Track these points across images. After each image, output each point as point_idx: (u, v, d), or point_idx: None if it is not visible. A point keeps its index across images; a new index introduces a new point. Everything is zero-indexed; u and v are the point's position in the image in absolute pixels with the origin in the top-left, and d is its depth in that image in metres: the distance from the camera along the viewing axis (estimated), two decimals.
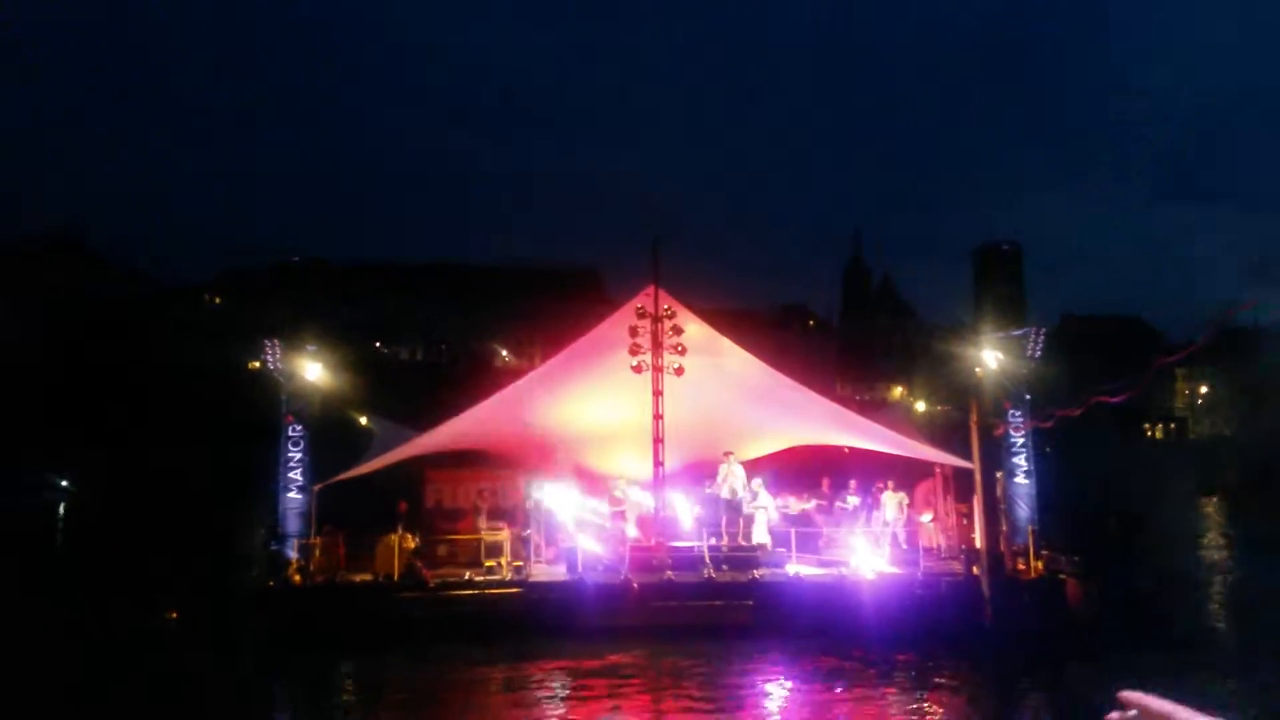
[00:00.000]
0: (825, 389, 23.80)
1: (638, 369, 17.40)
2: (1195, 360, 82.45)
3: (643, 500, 19.10)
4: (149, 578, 21.05)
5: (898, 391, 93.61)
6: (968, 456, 17.40)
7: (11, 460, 48.26)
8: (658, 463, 17.63)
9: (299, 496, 17.57)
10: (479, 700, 13.64)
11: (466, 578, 16.88)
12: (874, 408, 45.40)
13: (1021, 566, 16.92)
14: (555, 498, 18.81)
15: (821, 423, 19.74)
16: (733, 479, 18.41)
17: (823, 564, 17.62)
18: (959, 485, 18.65)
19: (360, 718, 13.20)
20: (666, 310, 17.52)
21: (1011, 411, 17.61)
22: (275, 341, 17.87)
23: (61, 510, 44.46)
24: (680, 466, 19.39)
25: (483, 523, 18.51)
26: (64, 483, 50.39)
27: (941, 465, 18.98)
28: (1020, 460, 17.62)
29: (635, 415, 17.88)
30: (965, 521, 18.35)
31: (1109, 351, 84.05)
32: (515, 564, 17.36)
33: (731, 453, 18.78)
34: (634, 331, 17.43)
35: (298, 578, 16.75)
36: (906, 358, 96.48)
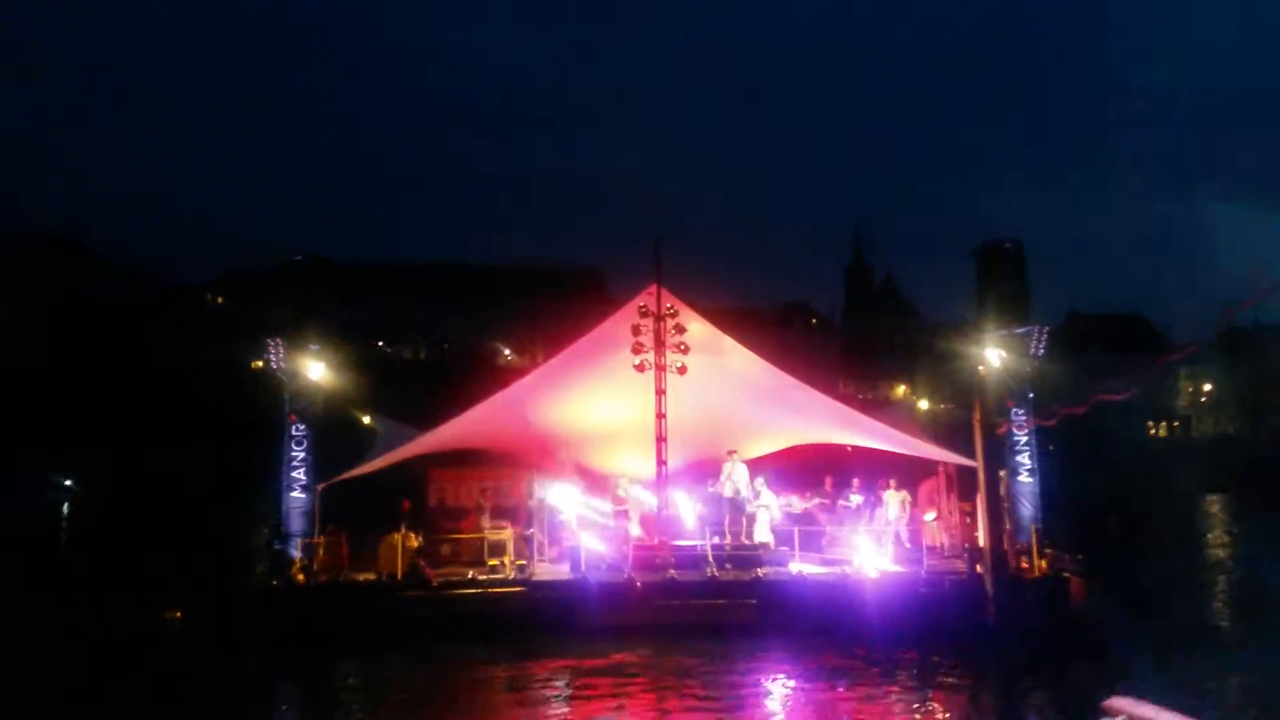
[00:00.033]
0: (828, 387, 23.80)
1: (640, 368, 17.40)
2: (1198, 358, 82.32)
3: (646, 499, 19.09)
4: (150, 578, 21.06)
5: (901, 390, 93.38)
6: (971, 455, 17.38)
7: (12, 460, 48.35)
8: (661, 461, 17.63)
9: (302, 496, 17.59)
10: (482, 699, 13.64)
11: (470, 577, 16.89)
12: (877, 406, 45.36)
13: (1025, 565, 16.91)
14: (558, 496, 18.83)
15: (824, 421, 19.73)
16: (736, 477, 18.41)
17: (826, 563, 17.62)
18: (962, 484, 18.63)
19: (363, 717, 13.19)
20: (669, 309, 17.52)
21: (1015, 410, 17.60)
22: (278, 341, 17.88)
23: (65, 510, 44.58)
24: (683, 465, 19.39)
25: (486, 522, 18.52)
26: (67, 482, 50.50)
27: (945, 464, 18.96)
28: (1024, 459, 17.61)
29: (638, 414, 17.87)
30: (968, 520, 18.33)
31: (1112, 350, 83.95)
32: (518, 563, 17.36)
33: (735, 451, 18.78)
34: (636, 330, 17.43)
35: (301, 577, 16.77)
36: (909, 356, 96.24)
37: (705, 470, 19.51)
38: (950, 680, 13.92)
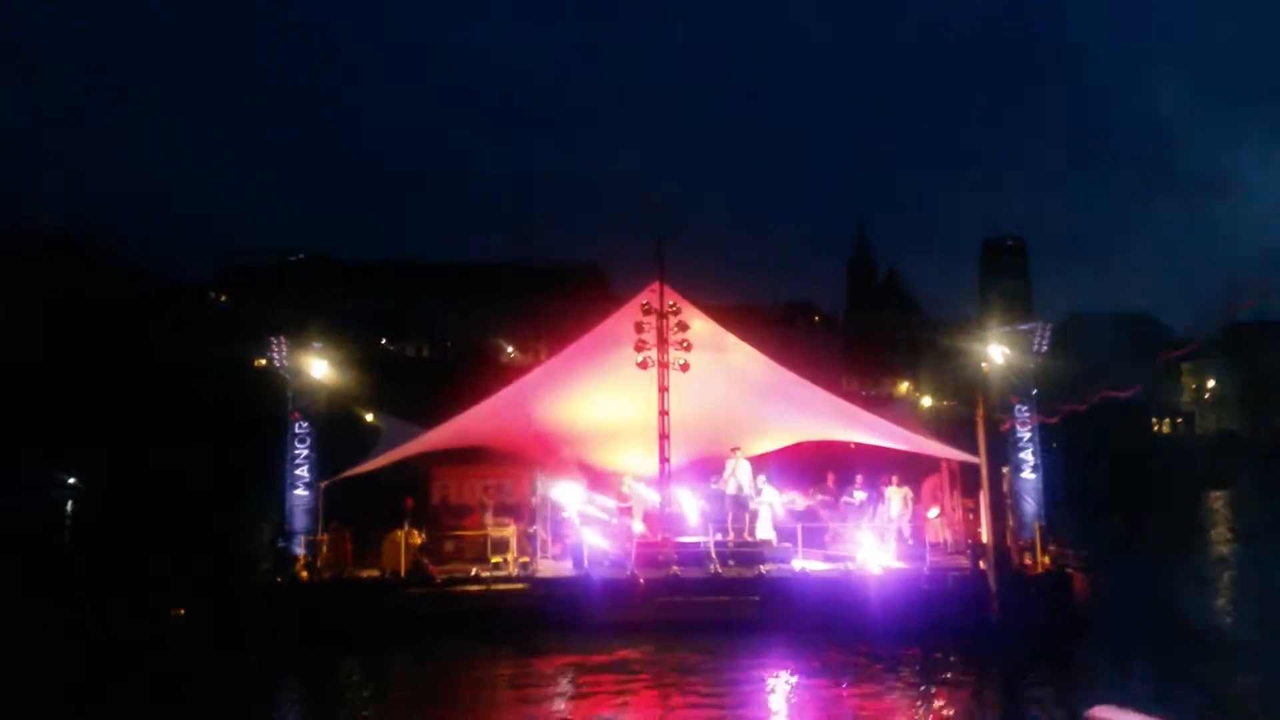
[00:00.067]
0: (831, 384, 23.81)
1: (643, 365, 17.41)
2: (1202, 355, 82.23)
3: (649, 496, 19.11)
4: (151, 578, 21.08)
5: (904, 387, 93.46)
6: (974, 451, 17.38)
7: (12, 460, 48.42)
8: (663, 459, 17.64)
9: (306, 493, 17.61)
10: (485, 696, 13.67)
11: (473, 574, 16.92)
12: (880, 403, 45.34)
13: (1028, 561, 16.89)
14: (561, 494, 18.85)
15: (827, 418, 19.73)
16: (739, 474, 18.42)
17: (829, 559, 17.63)
18: (965, 480, 18.63)
19: (367, 714, 13.22)
20: (671, 306, 17.53)
21: (1018, 406, 17.57)
22: (281, 339, 17.91)
23: (69, 508, 44.65)
24: (686, 462, 19.40)
25: (489, 519, 18.54)
26: (71, 480, 50.57)
27: (948, 460, 18.96)
28: (1027, 455, 17.58)
29: (641, 411, 17.88)
30: (972, 516, 18.32)
31: (1116, 346, 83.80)
32: (521, 560, 17.38)
33: (739, 448, 18.79)
34: (639, 328, 17.44)
35: (305, 574, 16.80)
36: (912, 353, 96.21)
37: (708, 467, 19.52)
38: (953, 676, 13.94)
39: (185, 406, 68.14)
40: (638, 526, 18.32)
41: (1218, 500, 46.10)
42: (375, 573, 17.02)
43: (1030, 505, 17.36)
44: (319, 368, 17.81)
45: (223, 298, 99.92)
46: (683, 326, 17.46)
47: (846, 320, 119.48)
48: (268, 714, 12.84)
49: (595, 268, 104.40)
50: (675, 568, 16.81)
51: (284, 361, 17.73)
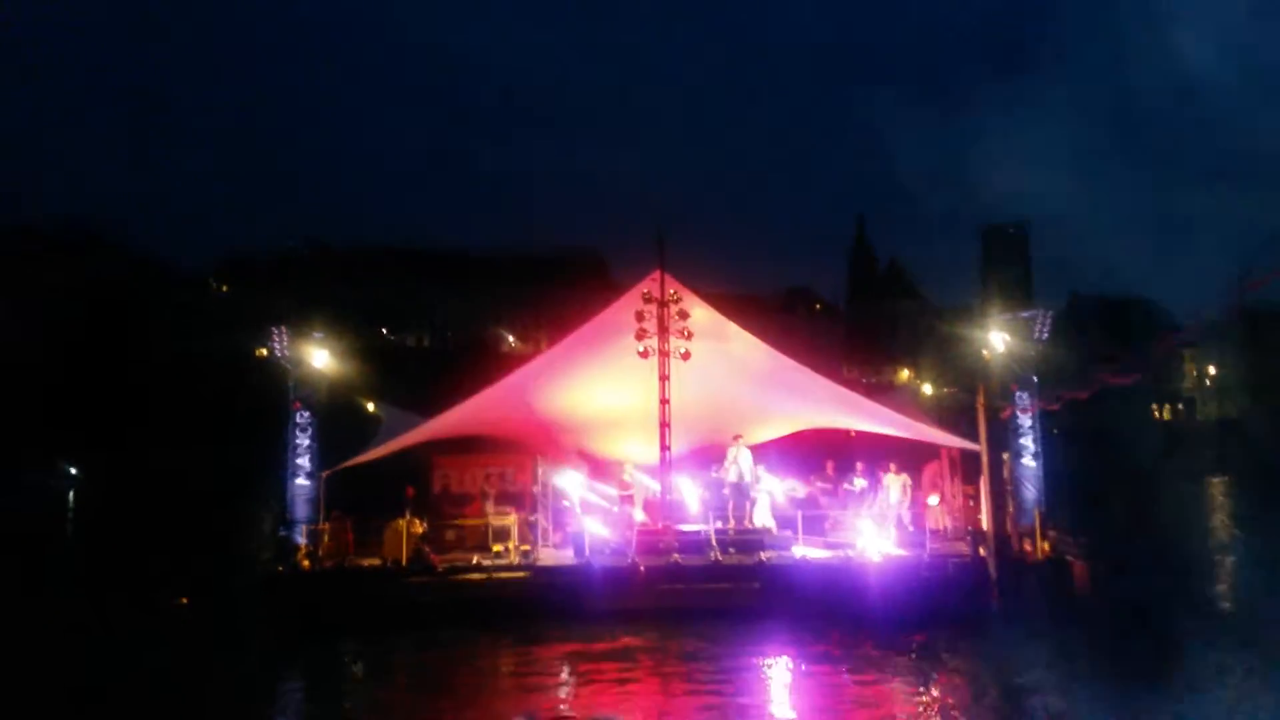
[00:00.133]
0: (832, 372, 23.77)
1: (644, 354, 17.42)
2: (1203, 341, 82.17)
3: (650, 484, 19.14)
4: (151, 576, 21.10)
5: (905, 374, 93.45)
6: (974, 439, 17.40)
7: (12, 460, 48.49)
8: (664, 447, 17.66)
9: (307, 483, 17.66)
10: (487, 684, 13.73)
11: (474, 562, 16.96)
12: (881, 390, 45.33)
13: (1028, 548, 16.93)
14: (563, 482, 18.88)
15: (828, 406, 19.74)
16: (741, 462, 18.44)
17: (829, 546, 17.66)
18: (965, 467, 18.65)
19: (369, 702, 13.28)
20: (672, 295, 17.52)
21: (1018, 394, 17.58)
22: (282, 329, 17.92)
23: (71, 499, 44.67)
24: (687, 451, 19.43)
25: (490, 507, 18.58)
26: (72, 470, 50.63)
27: (948, 447, 18.98)
28: (1027, 442, 17.60)
29: (641, 400, 17.88)
30: (972, 503, 18.35)
31: (1117, 333, 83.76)
32: (523, 548, 17.43)
33: (741, 436, 18.80)
34: (640, 316, 17.44)
35: (306, 563, 16.86)
36: (913, 341, 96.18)
37: (709, 455, 19.55)
38: (953, 663, 13.99)
39: (186, 402, 68.13)
40: (639, 514, 18.36)
41: (1218, 487, 46.12)
42: (377, 561, 17.07)
43: (1030, 492, 17.39)
44: (320, 357, 17.84)
45: (223, 288, 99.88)
46: (683, 315, 17.46)
47: (847, 308, 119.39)
48: (270, 704, 12.89)
49: (596, 257, 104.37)
50: (676, 555, 16.85)
51: (285, 351, 17.76)
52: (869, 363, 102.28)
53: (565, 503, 18.76)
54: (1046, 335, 17.48)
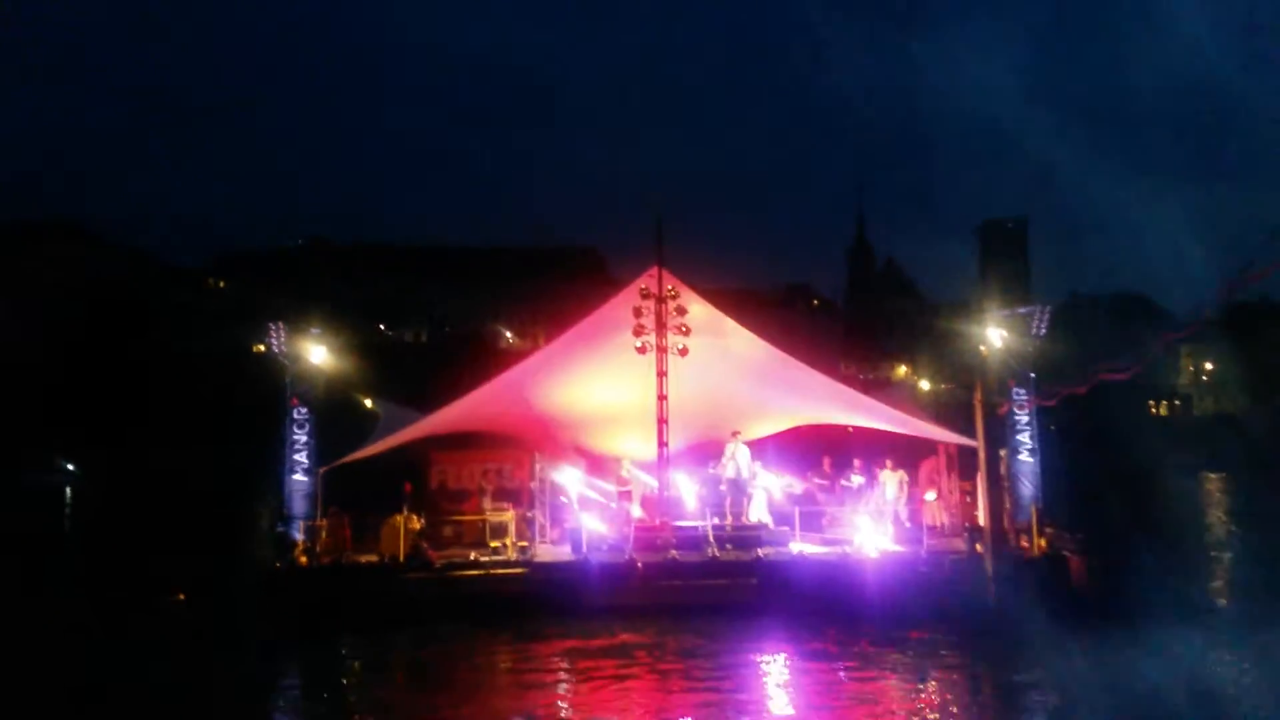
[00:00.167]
0: (829, 368, 23.77)
1: (642, 350, 17.41)
2: (1201, 337, 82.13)
3: (648, 481, 19.15)
4: (151, 575, 21.07)
5: (902, 370, 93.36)
6: (972, 435, 17.40)
7: (13, 461, 48.45)
8: (662, 443, 17.66)
9: (304, 479, 17.65)
10: (485, 680, 13.72)
11: (472, 558, 16.97)
12: (878, 387, 45.37)
13: (1025, 544, 16.96)
14: (560, 478, 18.89)
15: (826, 402, 19.75)
16: (739, 458, 18.45)
17: (826, 543, 17.68)
18: (963, 463, 18.67)
19: (366, 698, 13.28)
20: (670, 291, 17.50)
21: (1016, 390, 17.60)
22: (279, 325, 17.90)
23: (68, 495, 44.61)
24: (684, 447, 19.43)
25: (488, 503, 18.60)
26: (70, 466, 50.60)
27: (945, 444, 18.99)
28: (1024, 438, 17.63)
29: (639, 396, 17.88)
30: (969, 499, 18.38)
31: (1115, 329, 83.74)
32: (520, 544, 17.43)
33: (739, 432, 18.82)
34: (638, 312, 17.43)
35: (304, 559, 16.85)
36: (911, 337, 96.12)
37: (706, 452, 19.55)
38: (950, 659, 13.99)
39: (185, 399, 68.00)
40: (636, 511, 18.37)
41: (1215, 482, 46.21)
42: (374, 558, 17.06)
43: (1027, 488, 17.42)
44: (317, 353, 17.82)
45: (220, 284, 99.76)
46: (681, 311, 17.45)
47: (846, 304, 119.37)
48: (269, 702, 12.88)
49: (594, 252, 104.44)
50: (673, 552, 16.86)
51: (282, 347, 17.74)
52: (867, 359, 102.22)
53: (563, 499, 18.77)
54: (1044, 331, 17.50)
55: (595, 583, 16.24)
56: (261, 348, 20.03)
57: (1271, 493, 35.68)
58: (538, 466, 19.01)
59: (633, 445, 19.20)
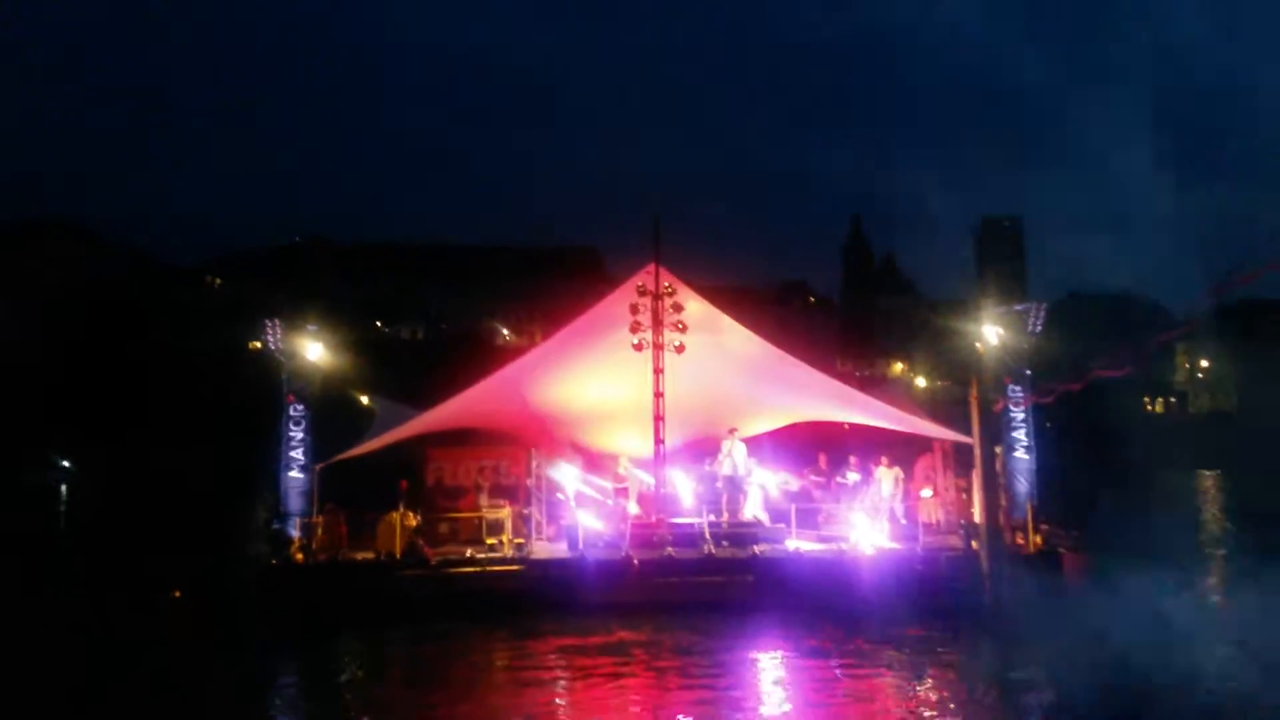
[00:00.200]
0: (826, 365, 23.84)
1: (638, 347, 17.42)
2: (1196, 335, 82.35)
3: (645, 478, 19.16)
4: (147, 575, 21.04)
5: (898, 367, 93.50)
6: (968, 432, 17.42)
7: (13, 461, 48.36)
8: (658, 440, 17.67)
9: (300, 476, 17.66)
10: (482, 678, 13.72)
11: (468, 555, 16.95)
12: (875, 384, 45.32)
13: (1020, 541, 17.00)
14: (557, 475, 18.89)
15: (822, 399, 19.77)
16: (735, 455, 18.47)
17: (822, 539, 17.70)
18: (959, 460, 18.69)
19: (362, 695, 13.27)
20: (667, 288, 17.51)
21: (1012, 387, 17.63)
22: (276, 322, 17.89)
23: (64, 493, 44.52)
24: (681, 444, 19.44)
25: (484, 500, 18.60)
26: (65, 463, 50.54)
27: (941, 440, 19.01)
28: (1020, 435, 17.67)
29: (636, 393, 17.90)
30: (965, 496, 18.41)
31: (1111, 326, 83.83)
32: (516, 541, 17.43)
33: (736, 429, 18.83)
34: (634, 309, 17.44)
35: (300, 556, 16.85)
36: (907, 334, 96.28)
37: (703, 449, 19.56)
38: (946, 656, 14.01)
39: (184, 397, 67.91)
40: (633, 508, 18.39)
41: (1210, 480, 46.30)
42: (370, 555, 17.05)
43: (1023, 485, 17.46)
44: (314, 350, 17.82)
45: (217, 281, 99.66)
46: (678, 308, 17.46)
47: (842, 301, 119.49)
48: (263, 696, 12.88)
49: (591, 250, 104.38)
50: (670, 549, 16.88)
51: (278, 344, 17.73)
52: (863, 356, 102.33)
53: (559, 496, 18.77)
54: (1040, 328, 17.52)
55: (591, 580, 16.25)
56: (258, 345, 19.99)
57: (1266, 490, 35.73)
58: (534, 463, 19.01)
59: (629, 442, 19.21)
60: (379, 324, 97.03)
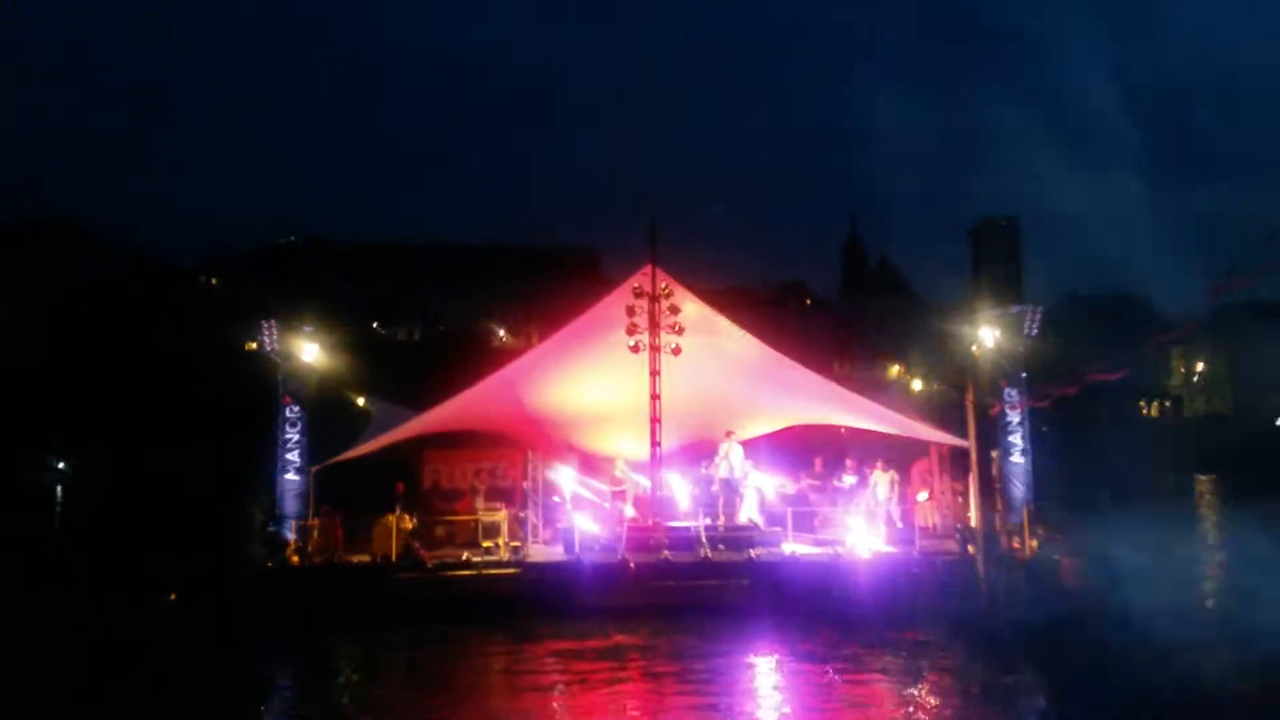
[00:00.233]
0: (823, 367, 23.77)
1: (635, 349, 17.39)
2: (1192, 337, 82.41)
3: (642, 481, 19.13)
4: (148, 575, 21.01)
5: (895, 370, 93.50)
6: (964, 435, 17.43)
7: (12, 462, 48.26)
8: (655, 443, 17.64)
9: (296, 478, 17.61)
10: (478, 681, 13.70)
11: (464, 558, 16.92)
12: (871, 386, 45.28)
13: (1016, 545, 16.97)
14: (554, 477, 18.86)
15: (819, 401, 19.73)
16: (732, 458, 18.45)
17: (819, 543, 17.68)
18: (955, 464, 18.68)
19: (358, 698, 13.25)
20: (664, 289, 17.49)
21: (1007, 390, 17.62)
22: (272, 322, 17.85)
23: (59, 493, 44.41)
24: (677, 446, 19.40)
25: (480, 503, 18.56)
26: (60, 464, 50.43)
27: (938, 444, 19.00)
28: (1016, 439, 17.65)
29: (632, 395, 17.87)
30: (961, 500, 18.39)
31: (1107, 330, 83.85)
32: (513, 544, 17.42)
33: (733, 432, 18.81)
34: (631, 311, 17.41)
35: (296, 559, 16.81)
36: (904, 336, 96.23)
37: (699, 451, 19.53)
38: (942, 660, 14.01)
39: (182, 397, 67.75)
40: (629, 511, 18.36)
41: (1205, 484, 46.36)
42: (366, 557, 17.02)
43: (1019, 489, 17.43)
44: (310, 351, 17.78)
45: (213, 281, 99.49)
46: (674, 310, 17.44)
47: (839, 303, 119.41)
48: (260, 698, 12.86)
49: (588, 251, 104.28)
50: (666, 552, 16.85)
51: (274, 345, 17.69)
52: (860, 358, 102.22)
53: (556, 499, 18.74)
54: (1036, 331, 17.51)
55: (588, 583, 16.23)
56: (254, 346, 19.95)
57: (1261, 495, 35.76)
58: (531, 466, 18.99)
59: (626, 445, 19.17)
60: (375, 325, 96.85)
